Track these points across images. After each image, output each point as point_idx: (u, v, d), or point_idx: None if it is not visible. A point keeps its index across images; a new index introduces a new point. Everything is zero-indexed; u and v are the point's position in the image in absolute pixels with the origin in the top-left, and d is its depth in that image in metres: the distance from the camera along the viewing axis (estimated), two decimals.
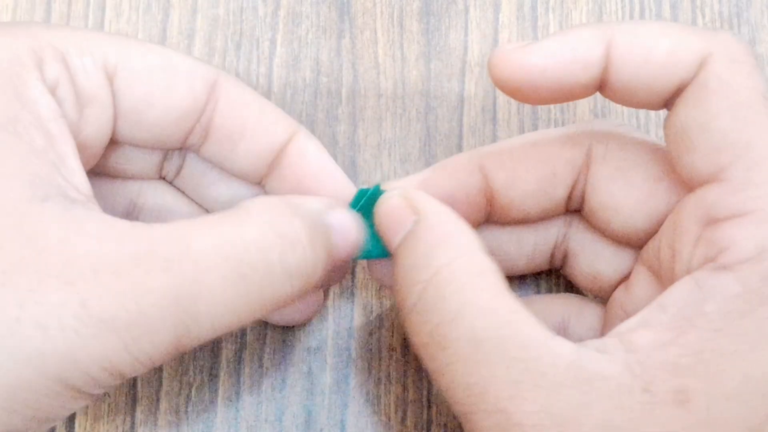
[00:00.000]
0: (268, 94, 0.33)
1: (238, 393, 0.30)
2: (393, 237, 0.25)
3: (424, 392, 0.30)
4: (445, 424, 0.30)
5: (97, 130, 0.26)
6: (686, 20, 0.34)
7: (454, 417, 0.30)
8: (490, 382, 0.22)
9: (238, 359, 0.30)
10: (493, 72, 0.25)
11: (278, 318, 0.30)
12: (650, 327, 0.23)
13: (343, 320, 0.31)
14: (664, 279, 0.26)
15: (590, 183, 0.27)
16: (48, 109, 0.24)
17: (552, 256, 0.30)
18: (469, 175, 0.27)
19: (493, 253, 0.29)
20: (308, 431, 0.30)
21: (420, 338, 0.24)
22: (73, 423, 0.30)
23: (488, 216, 0.28)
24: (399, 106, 0.33)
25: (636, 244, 0.27)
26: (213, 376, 0.30)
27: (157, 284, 0.21)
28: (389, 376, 0.31)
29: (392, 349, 0.31)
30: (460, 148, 0.33)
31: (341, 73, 0.34)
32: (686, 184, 0.24)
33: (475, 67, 0.34)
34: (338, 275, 0.29)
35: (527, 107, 0.33)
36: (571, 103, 0.33)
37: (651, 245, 0.27)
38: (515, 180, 0.27)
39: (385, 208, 0.26)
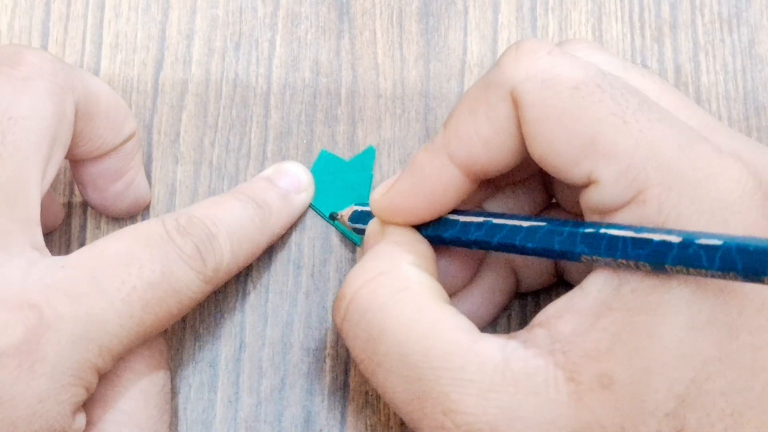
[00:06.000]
0: (267, 95, 0.33)
1: (237, 393, 0.30)
2: None
3: None
4: None
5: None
6: (686, 21, 0.34)
7: None
8: (425, 396, 0.23)
9: (238, 359, 0.30)
10: (382, 219, 0.27)
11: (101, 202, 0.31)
12: (573, 313, 0.23)
13: None
14: None
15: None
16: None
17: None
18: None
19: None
20: None
21: (356, 354, 0.25)
22: None
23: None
24: (398, 106, 0.33)
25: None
26: (212, 377, 0.30)
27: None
28: None
29: None
30: None
31: (340, 73, 0.34)
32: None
33: (474, 68, 0.34)
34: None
35: None
36: None
37: None
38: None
39: (366, 232, 0.28)
